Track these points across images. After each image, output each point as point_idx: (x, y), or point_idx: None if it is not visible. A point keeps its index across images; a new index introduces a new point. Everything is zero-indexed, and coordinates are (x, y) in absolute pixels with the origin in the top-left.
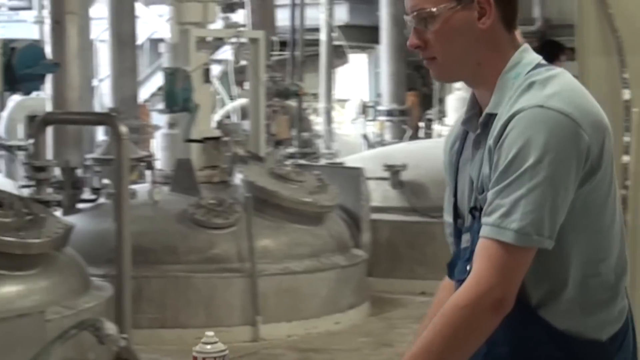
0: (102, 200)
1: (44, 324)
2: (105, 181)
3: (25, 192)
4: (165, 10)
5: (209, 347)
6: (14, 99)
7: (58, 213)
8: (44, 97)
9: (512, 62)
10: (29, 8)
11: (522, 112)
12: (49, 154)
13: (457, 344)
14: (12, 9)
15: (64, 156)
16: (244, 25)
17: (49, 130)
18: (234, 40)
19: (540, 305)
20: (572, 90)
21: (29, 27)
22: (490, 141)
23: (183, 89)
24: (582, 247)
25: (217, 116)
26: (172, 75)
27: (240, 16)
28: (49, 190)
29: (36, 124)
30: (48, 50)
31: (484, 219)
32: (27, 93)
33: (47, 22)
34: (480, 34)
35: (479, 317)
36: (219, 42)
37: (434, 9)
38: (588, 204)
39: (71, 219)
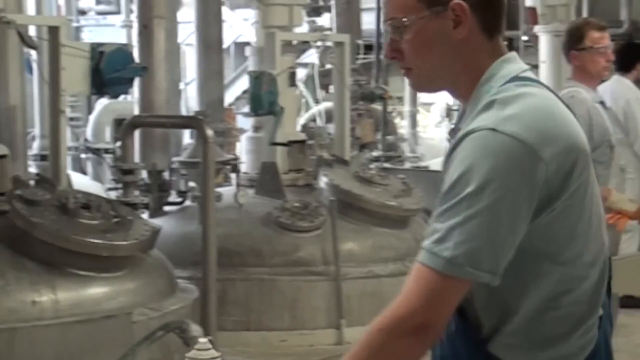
0: (188, 202)
1: (131, 326)
2: (191, 184)
3: (113, 194)
4: (251, 14)
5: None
6: (102, 103)
7: (145, 215)
8: (131, 101)
9: (488, 74)
10: (117, 12)
11: (473, 133)
12: (136, 156)
13: None
14: (100, 13)
15: (150, 159)
16: (329, 29)
17: (136, 133)
18: (319, 43)
19: (489, 337)
20: (535, 112)
21: (116, 31)
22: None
23: (268, 92)
24: (543, 279)
25: (302, 119)
26: (257, 78)
27: (325, 20)
28: (136, 192)
29: (124, 127)
30: (136, 54)
31: (422, 242)
32: (115, 96)
33: (135, 26)
34: (456, 44)
35: (395, 342)
36: (304, 45)
37: (405, 19)
38: (550, 234)
39: (157, 222)
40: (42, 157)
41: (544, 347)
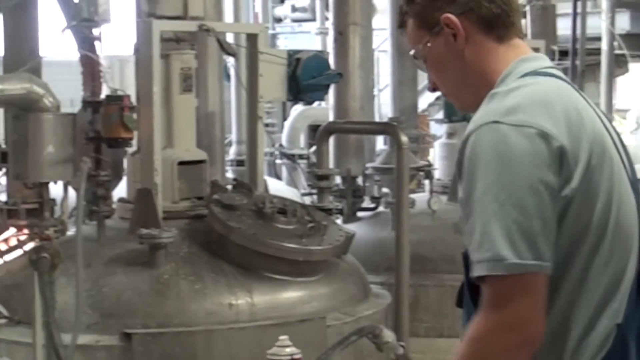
0: (381, 208)
1: (325, 330)
2: (385, 190)
3: (307, 200)
4: None
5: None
6: (297, 109)
7: (339, 221)
8: (325, 107)
9: (503, 74)
10: (312, 20)
11: (477, 130)
12: (331, 162)
13: None
14: (295, 20)
15: (345, 165)
16: (524, 35)
17: (331, 139)
18: None
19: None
20: (532, 98)
21: (311, 38)
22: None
23: None
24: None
25: None
26: None
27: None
28: (330, 198)
29: (319, 133)
30: (331, 60)
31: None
32: (310, 103)
33: (330, 33)
34: (464, 55)
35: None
36: None
37: (413, 51)
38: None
39: (351, 227)
40: (239, 163)
41: None
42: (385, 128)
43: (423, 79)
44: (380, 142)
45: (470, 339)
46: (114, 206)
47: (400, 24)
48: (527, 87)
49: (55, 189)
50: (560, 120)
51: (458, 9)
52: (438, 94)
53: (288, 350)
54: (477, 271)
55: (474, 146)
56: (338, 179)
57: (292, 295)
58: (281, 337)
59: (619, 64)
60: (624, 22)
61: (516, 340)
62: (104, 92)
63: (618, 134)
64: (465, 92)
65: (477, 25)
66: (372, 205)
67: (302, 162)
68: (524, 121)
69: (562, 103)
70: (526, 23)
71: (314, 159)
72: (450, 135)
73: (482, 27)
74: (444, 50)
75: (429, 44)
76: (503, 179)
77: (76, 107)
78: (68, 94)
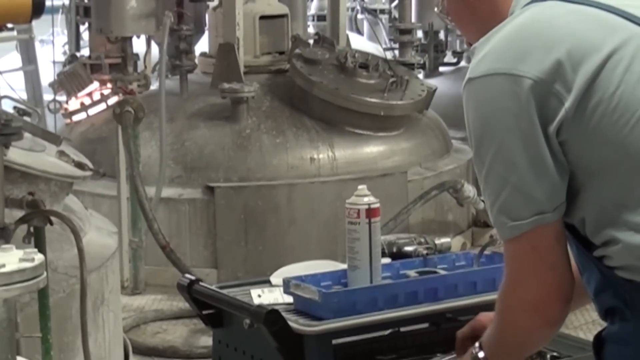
0: (463, 63)
1: (406, 184)
2: (466, 45)
3: (389, 54)
4: None
5: (365, 199)
6: None
7: (420, 76)
8: None
9: (512, 6)
10: None
11: (463, 94)
12: (413, 16)
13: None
14: None
15: (427, 19)
16: None
17: None
18: None
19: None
20: (512, 34)
21: None
22: None
23: None
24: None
25: None
26: None
27: None
28: (412, 52)
29: None
30: None
31: None
32: None
33: None
34: None
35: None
36: None
37: None
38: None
39: (433, 82)
40: (320, 17)
41: None
42: None
43: None
44: None
45: (496, 312)
46: (196, 60)
47: None
48: (512, 21)
49: (138, 43)
50: (541, 42)
51: None
52: None
53: (366, 199)
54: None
55: (465, 111)
56: (420, 34)
57: (373, 150)
58: (360, 187)
59: None
60: None
61: (527, 306)
62: None
63: None
64: (469, 28)
65: None
66: (454, 60)
67: (384, 17)
68: (492, 69)
69: (554, 21)
70: None
71: (395, 13)
72: None
73: None
74: None
75: None
76: (486, 137)
77: None
78: None
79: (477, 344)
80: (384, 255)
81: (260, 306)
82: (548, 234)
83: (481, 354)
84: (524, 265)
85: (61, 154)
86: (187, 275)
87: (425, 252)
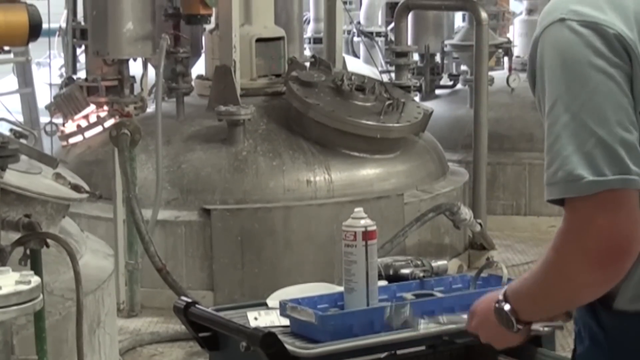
0: (459, 86)
1: (402, 207)
2: (463, 67)
3: (385, 77)
4: None
5: (361, 221)
6: None
7: (417, 98)
8: None
9: None
10: None
11: (542, 34)
12: (409, 39)
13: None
14: None
15: (423, 42)
16: None
17: (410, 16)
18: None
19: None
20: None
21: None
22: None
23: None
24: None
25: None
26: None
27: None
28: (409, 75)
29: (398, 10)
30: None
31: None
32: None
33: None
34: None
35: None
36: None
37: None
38: None
39: (429, 104)
40: (316, 40)
41: None
42: (464, 4)
43: None
44: (459, 19)
45: (547, 264)
46: (192, 83)
47: None
48: None
49: (135, 66)
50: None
51: None
52: None
53: (362, 222)
54: (550, 194)
55: (541, 52)
56: (416, 56)
57: (369, 172)
58: (356, 209)
59: None
60: None
61: (598, 269)
62: None
63: None
64: None
65: None
66: (450, 83)
67: (380, 40)
68: (589, 16)
69: None
70: None
71: (392, 36)
72: (530, 11)
73: None
74: None
75: None
76: (574, 86)
77: None
78: None
79: (500, 296)
80: (380, 277)
81: (256, 329)
82: (630, 199)
83: (507, 307)
84: (595, 215)
85: (57, 177)
86: (184, 298)
87: (421, 274)
